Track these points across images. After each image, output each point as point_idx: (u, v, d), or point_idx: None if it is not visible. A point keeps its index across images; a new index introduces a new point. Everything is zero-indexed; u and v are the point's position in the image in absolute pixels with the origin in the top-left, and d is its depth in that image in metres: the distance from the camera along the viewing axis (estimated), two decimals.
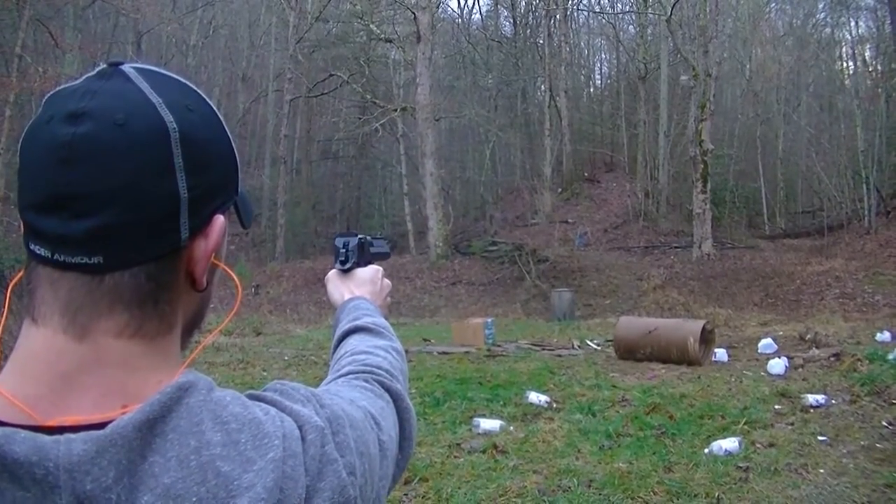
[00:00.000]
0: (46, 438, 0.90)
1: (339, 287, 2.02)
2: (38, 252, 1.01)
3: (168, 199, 1.02)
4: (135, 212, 0.99)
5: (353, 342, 1.68)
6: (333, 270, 2.08)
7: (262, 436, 1.01)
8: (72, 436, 0.91)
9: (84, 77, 1.07)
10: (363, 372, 1.49)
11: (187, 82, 1.12)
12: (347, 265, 2.05)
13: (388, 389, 1.43)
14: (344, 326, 1.76)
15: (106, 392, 0.99)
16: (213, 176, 1.09)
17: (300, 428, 1.07)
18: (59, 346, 1.00)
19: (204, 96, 1.13)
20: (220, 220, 1.11)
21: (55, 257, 1.00)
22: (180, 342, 1.13)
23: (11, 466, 0.88)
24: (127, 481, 0.91)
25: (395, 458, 1.34)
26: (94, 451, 0.90)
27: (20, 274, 1.10)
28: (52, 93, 1.07)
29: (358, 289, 1.99)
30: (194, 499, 0.93)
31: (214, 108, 1.14)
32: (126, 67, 1.07)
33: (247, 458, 0.98)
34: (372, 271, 2.07)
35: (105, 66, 1.08)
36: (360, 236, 2.11)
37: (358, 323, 1.76)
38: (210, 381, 1.05)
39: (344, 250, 2.06)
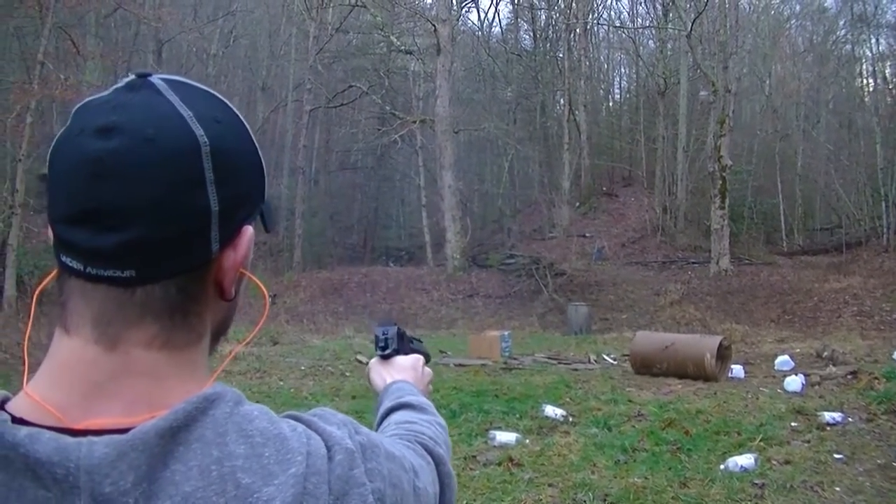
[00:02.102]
0: (69, 440, 0.92)
1: (381, 373, 2.01)
2: (70, 264, 1.02)
3: (199, 212, 1.02)
4: (166, 226, 1.00)
5: (397, 417, 1.68)
6: (374, 358, 2.08)
7: (285, 451, 1.01)
8: (95, 438, 0.92)
9: (112, 88, 1.07)
10: (406, 434, 1.49)
11: (215, 93, 1.13)
12: (388, 351, 2.06)
13: (429, 452, 1.42)
14: (387, 405, 1.76)
15: (135, 400, 1.00)
16: (242, 187, 1.10)
17: (329, 448, 1.07)
18: (89, 355, 1.01)
19: (231, 107, 1.13)
20: (248, 230, 1.11)
21: (87, 270, 1.00)
22: (208, 351, 1.14)
23: (34, 465, 0.90)
24: (146, 487, 0.92)
25: None
26: (115, 455, 0.91)
27: (45, 282, 1.11)
28: (81, 104, 1.07)
29: (399, 374, 1.98)
30: None
31: (242, 119, 1.14)
32: (155, 79, 1.07)
33: (269, 471, 0.98)
34: (413, 359, 2.06)
35: (134, 77, 1.08)
36: (397, 326, 2.12)
37: (401, 401, 1.75)
38: (239, 395, 1.05)
39: (384, 337, 2.07)
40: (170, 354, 1.05)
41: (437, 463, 1.42)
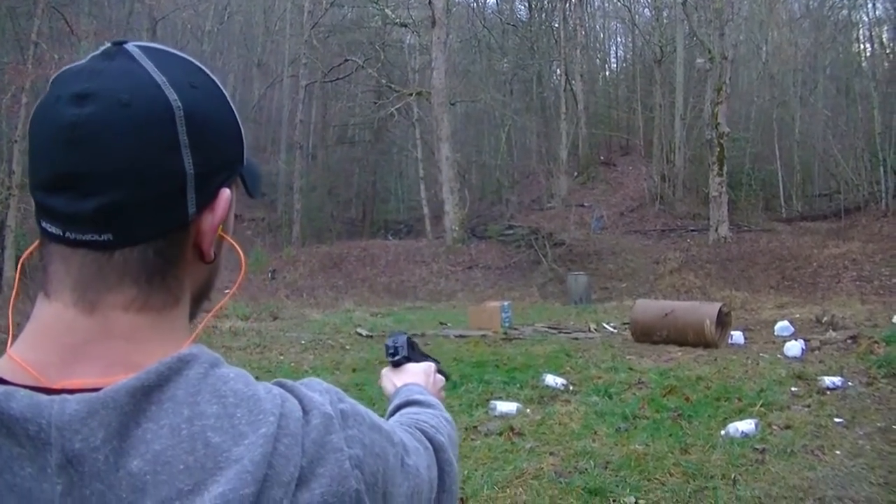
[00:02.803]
0: (43, 397, 0.93)
1: (392, 378, 2.02)
2: (50, 230, 1.04)
3: (175, 176, 1.04)
4: (142, 189, 1.01)
5: (403, 411, 1.69)
6: (386, 367, 2.10)
7: (258, 412, 1.01)
8: (67, 396, 0.94)
9: (89, 57, 1.09)
10: (407, 421, 1.50)
11: (192, 59, 1.14)
12: (398, 358, 2.07)
13: (430, 439, 1.42)
14: (396, 403, 1.78)
15: (112, 363, 1.02)
16: (219, 152, 1.11)
17: (306, 412, 1.07)
18: (68, 319, 1.03)
19: (209, 73, 1.14)
20: (226, 193, 1.12)
21: (66, 235, 1.02)
22: (189, 313, 1.16)
23: (8, 422, 0.91)
24: (117, 444, 0.93)
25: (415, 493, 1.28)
26: (86, 412, 0.92)
27: (29, 251, 1.13)
28: (58, 73, 1.09)
29: (410, 378, 1.99)
30: (181, 466, 0.94)
31: (219, 85, 1.15)
32: (130, 46, 1.09)
33: (239, 431, 0.99)
34: (425, 365, 2.08)
35: (110, 45, 1.10)
36: (407, 335, 2.13)
37: (410, 398, 1.77)
38: (216, 357, 1.06)
39: (394, 346, 2.09)
40: (148, 317, 1.07)
41: (437, 449, 1.41)
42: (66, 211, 1.01)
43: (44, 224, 1.05)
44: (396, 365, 2.08)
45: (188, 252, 1.11)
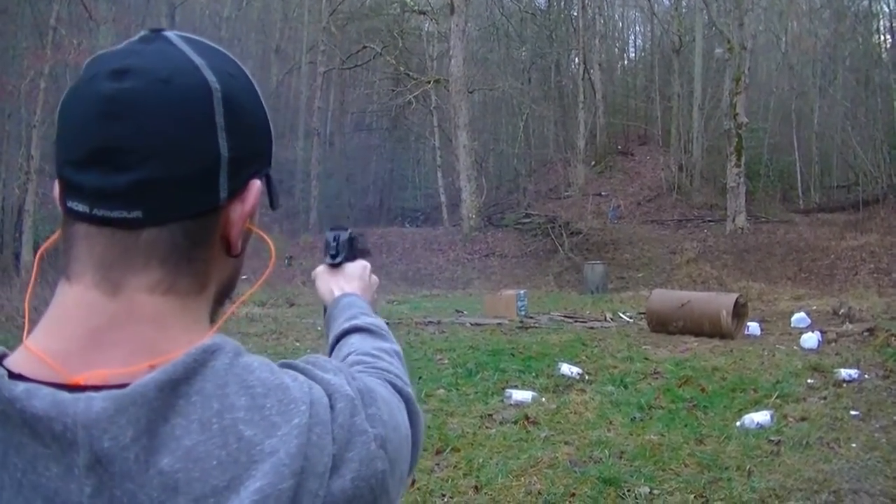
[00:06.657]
0: (67, 395, 0.91)
1: (329, 282, 1.97)
2: (76, 208, 1.01)
3: (209, 156, 1.03)
4: (176, 166, 1.00)
5: (355, 342, 1.62)
6: (322, 266, 2.02)
7: (288, 401, 1.00)
8: (93, 394, 0.91)
9: (126, 42, 1.08)
10: (374, 373, 1.42)
11: (228, 52, 1.13)
12: (338, 259, 1.99)
13: (399, 391, 1.34)
14: (342, 325, 1.71)
15: (135, 349, 0.99)
16: (252, 140, 1.11)
17: (329, 396, 1.05)
18: (90, 301, 1.00)
19: (243, 67, 1.13)
20: (256, 184, 1.11)
21: (94, 212, 0.99)
22: (211, 309, 1.13)
23: (31, 421, 0.89)
24: (147, 441, 0.91)
25: (409, 455, 1.25)
26: (114, 410, 0.90)
27: (49, 241, 1.11)
28: (92, 57, 1.07)
29: (348, 284, 1.94)
30: (215, 462, 0.93)
31: (252, 81, 1.14)
32: (168, 33, 1.08)
33: (271, 423, 0.97)
34: (361, 267, 2.01)
35: (147, 31, 1.09)
36: (350, 230, 2.05)
37: (357, 322, 1.69)
38: (238, 346, 1.04)
39: (335, 244, 2.01)
40: (173, 301, 1.04)
41: (407, 402, 1.36)
42: (98, 185, 0.99)
43: (70, 203, 1.02)
44: (335, 266, 2.00)
45: (216, 240, 1.09)
